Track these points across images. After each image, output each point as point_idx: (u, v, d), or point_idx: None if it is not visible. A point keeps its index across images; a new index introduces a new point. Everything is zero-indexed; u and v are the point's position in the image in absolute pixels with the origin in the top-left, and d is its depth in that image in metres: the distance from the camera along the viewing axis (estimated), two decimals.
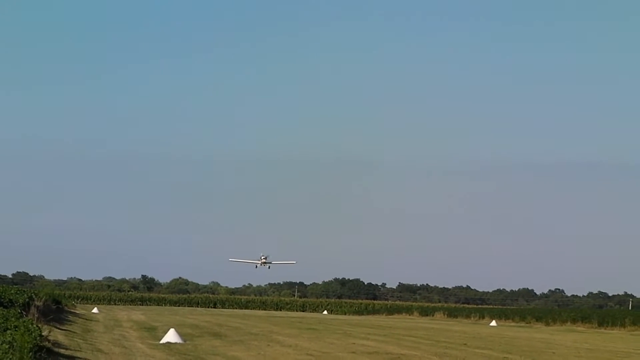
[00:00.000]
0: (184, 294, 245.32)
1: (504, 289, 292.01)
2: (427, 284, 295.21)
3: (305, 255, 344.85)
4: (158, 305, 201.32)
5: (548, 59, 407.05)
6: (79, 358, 46.90)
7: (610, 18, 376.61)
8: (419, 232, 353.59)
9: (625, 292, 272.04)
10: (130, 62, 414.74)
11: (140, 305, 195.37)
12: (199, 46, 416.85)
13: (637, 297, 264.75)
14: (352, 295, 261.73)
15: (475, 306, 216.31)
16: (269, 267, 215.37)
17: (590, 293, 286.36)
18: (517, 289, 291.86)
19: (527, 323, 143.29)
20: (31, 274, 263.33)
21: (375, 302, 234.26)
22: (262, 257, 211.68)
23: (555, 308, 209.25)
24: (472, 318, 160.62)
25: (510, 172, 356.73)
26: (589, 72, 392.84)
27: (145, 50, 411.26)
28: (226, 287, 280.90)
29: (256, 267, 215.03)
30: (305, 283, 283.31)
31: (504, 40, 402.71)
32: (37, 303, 74.82)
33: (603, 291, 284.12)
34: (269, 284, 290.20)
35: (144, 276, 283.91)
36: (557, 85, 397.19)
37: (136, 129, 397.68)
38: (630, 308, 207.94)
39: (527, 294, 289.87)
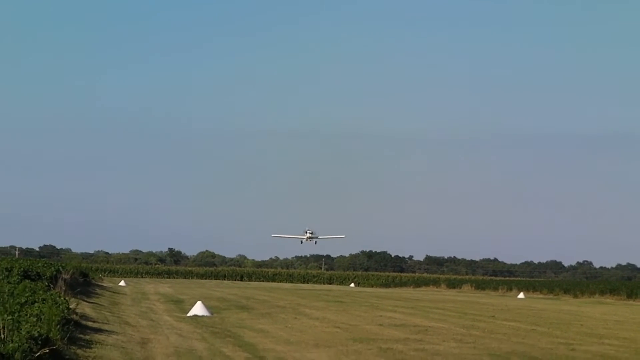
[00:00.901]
0: (210, 267, 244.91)
1: (531, 261, 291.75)
2: (454, 257, 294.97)
3: (333, 228, 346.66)
4: (185, 278, 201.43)
5: None
6: (107, 330, 46.75)
7: None
8: (446, 205, 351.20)
9: None
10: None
11: (167, 278, 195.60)
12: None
13: None
14: (379, 268, 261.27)
15: (502, 278, 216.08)
16: (315, 243, 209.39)
17: (619, 265, 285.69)
18: (545, 261, 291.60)
19: (555, 295, 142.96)
20: (58, 247, 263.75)
21: (402, 274, 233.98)
22: (309, 232, 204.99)
23: (583, 280, 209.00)
24: (500, 290, 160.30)
25: (536, 144, 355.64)
26: None
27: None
28: (253, 260, 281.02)
29: (301, 242, 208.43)
30: (332, 256, 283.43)
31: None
32: (65, 276, 74.71)
33: (632, 263, 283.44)
34: (296, 256, 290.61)
35: (170, 249, 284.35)
36: (599, 53, 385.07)
37: (180, 102, 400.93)
38: None
39: (555, 266, 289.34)
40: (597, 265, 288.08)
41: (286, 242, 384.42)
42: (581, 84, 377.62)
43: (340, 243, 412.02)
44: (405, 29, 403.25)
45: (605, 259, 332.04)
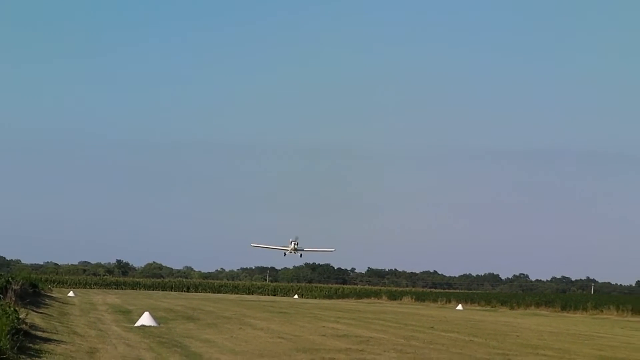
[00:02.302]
0: (158, 278, 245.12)
1: (470, 274, 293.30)
2: (395, 269, 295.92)
3: (277, 241, 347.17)
4: (133, 289, 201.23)
5: None
6: (56, 340, 46.72)
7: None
8: (386, 218, 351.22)
9: (588, 277, 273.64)
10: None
11: (115, 289, 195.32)
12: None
13: (599, 281, 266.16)
14: (322, 280, 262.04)
15: (442, 290, 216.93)
16: (300, 255, 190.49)
17: (554, 278, 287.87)
18: (482, 274, 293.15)
19: (492, 307, 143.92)
20: (8, 258, 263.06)
21: (344, 286, 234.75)
22: (293, 243, 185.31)
23: (519, 292, 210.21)
24: (439, 302, 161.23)
25: (473, 157, 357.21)
26: None
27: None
28: (199, 271, 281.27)
29: (285, 254, 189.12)
30: (276, 268, 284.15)
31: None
32: (14, 287, 74.51)
33: (566, 276, 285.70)
34: (241, 268, 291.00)
35: (118, 261, 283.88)
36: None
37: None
38: (592, 292, 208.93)
39: (492, 278, 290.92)
40: (533, 278, 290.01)
41: (230, 254, 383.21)
42: (509, 101, 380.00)
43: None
44: (391, 46, 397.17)
45: (540, 272, 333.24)
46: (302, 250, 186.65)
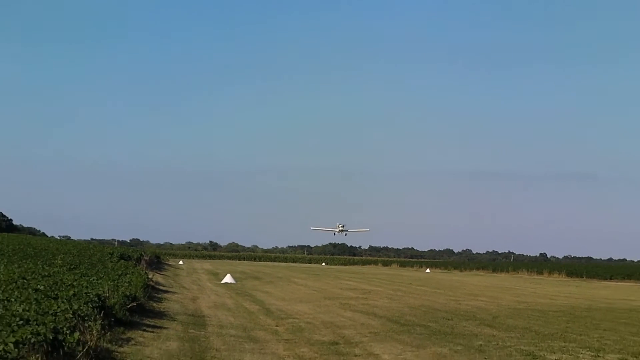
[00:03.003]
0: (235, 252, 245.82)
1: (434, 249, 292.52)
2: (387, 246, 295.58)
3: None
4: (220, 259, 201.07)
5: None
6: (171, 292, 46.77)
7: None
8: (383, 207, 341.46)
9: (509, 250, 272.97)
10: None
11: (209, 259, 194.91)
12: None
13: (516, 253, 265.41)
14: (340, 253, 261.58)
15: (417, 260, 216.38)
16: (345, 234, 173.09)
17: (487, 251, 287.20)
18: (442, 249, 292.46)
19: (448, 270, 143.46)
20: (141, 239, 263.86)
21: (354, 257, 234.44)
22: (340, 226, 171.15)
23: (466, 261, 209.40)
24: (415, 267, 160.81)
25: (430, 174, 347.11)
26: None
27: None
28: (262, 248, 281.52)
29: (334, 234, 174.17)
30: (310, 245, 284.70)
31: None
32: (145, 258, 74.81)
33: (495, 250, 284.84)
34: (289, 246, 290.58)
35: (211, 241, 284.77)
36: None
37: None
38: (512, 260, 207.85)
39: (449, 252, 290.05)
40: (474, 251, 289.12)
41: (285, 235, 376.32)
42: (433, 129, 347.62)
43: (314, 236, 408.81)
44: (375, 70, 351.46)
45: (479, 247, 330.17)
46: (347, 230, 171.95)
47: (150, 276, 46.38)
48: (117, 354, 18.89)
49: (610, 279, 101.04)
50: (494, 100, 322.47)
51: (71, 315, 17.75)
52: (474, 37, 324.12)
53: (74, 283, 25.70)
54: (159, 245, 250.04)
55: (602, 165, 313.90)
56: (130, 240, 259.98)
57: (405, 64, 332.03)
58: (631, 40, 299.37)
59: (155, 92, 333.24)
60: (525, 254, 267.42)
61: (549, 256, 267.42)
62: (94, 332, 18.20)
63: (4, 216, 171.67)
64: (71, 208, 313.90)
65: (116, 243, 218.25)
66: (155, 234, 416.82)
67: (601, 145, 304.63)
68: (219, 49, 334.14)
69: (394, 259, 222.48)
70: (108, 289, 24.94)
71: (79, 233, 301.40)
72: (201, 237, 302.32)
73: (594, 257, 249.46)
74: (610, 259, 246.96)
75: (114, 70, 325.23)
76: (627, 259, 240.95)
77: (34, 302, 18.55)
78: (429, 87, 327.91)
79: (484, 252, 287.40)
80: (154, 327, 25.68)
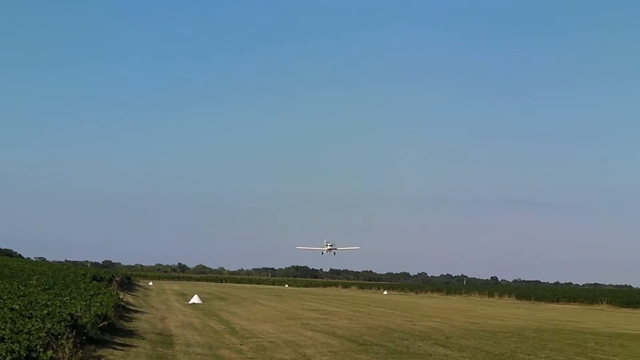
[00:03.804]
0: (203, 274, 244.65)
1: (391, 272, 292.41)
2: (347, 269, 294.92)
3: (276, 252, 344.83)
4: (188, 281, 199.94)
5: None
6: (141, 311, 46.53)
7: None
8: (344, 233, 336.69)
9: (462, 274, 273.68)
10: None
11: (177, 280, 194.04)
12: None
13: (469, 276, 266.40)
14: (302, 275, 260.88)
15: (375, 282, 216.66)
16: (334, 254, 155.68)
17: (442, 274, 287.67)
18: (399, 272, 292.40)
19: (405, 292, 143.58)
20: (113, 261, 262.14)
21: (316, 279, 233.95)
22: (328, 245, 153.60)
23: (421, 283, 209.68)
24: (373, 289, 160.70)
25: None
26: None
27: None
28: (228, 270, 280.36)
29: (322, 253, 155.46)
30: (274, 268, 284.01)
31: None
32: (117, 279, 74.32)
33: (449, 273, 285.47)
34: (254, 268, 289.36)
35: (179, 263, 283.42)
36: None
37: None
38: (464, 283, 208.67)
39: (405, 275, 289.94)
40: (429, 274, 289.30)
41: (250, 257, 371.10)
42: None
43: (278, 258, 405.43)
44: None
45: (433, 270, 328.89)
46: (336, 249, 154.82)
47: (121, 296, 46.10)
48: None
49: (557, 301, 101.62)
50: (448, 126, 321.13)
51: (45, 334, 17.64)
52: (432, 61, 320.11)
53: (48, 303, 25.51)
54: (130, 267, 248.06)
55: (550, 192, 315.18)
56: (102, 262, 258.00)
57: (335, 90, 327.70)
58: (587, 69, 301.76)
59: (121, 114, 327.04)
60: (477, 277, 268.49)
61: (499, 279, 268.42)
62: (66, 350, 18.10)
63: None
64: (46, 230, 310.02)
65: (89, 264, 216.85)
66: (126, 256, 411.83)
67: (549, 173, 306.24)
68: (188, 69, 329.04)
69: (354, 281, 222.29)
70: (80, 309, 24.77)
71: (54, 255, 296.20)
72: (170, 260, 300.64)
73: (542, 281, 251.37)
74: (557, 283, 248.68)
75: (81, 91, 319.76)
76: (573, 283, 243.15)
77: (9, 321, 18.43)
78: (386, 109, 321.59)
79: (439, 275, 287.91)
80: (123, 345, 25.57)
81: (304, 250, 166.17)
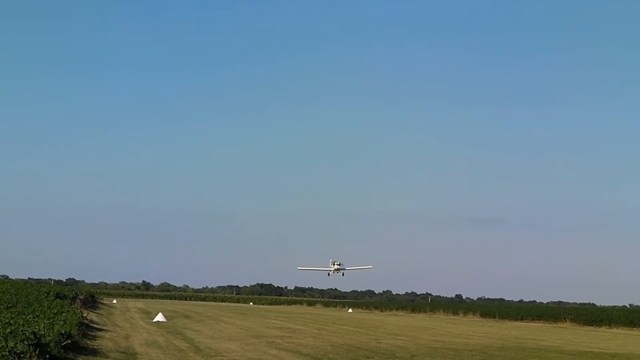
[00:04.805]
0: (167, 292, 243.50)
1: (356, 290, 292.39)
2: (311, 287, 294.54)
3: (241, 268, 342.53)
4: (152, 299, 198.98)
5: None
6: (105, 329, 46.28)
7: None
8: (306, 251, 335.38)
9: (427, 292, 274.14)
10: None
11: (141, 298, 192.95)
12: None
13: (434, 294, 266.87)
14: (267, 293, 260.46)
15: (340, 300, 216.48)
16: (342, 274, 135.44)
17: (406, 292, 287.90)
18: (364, 290, 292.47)
19: (370, 310, 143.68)
20: (77, 279, 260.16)
21: (281, 297, 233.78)
22: (336, 264, 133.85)
23: (386, 301, 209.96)
24: (338, 307, 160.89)
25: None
26: None
27: None
28: (193, 288, 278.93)
29: (328, 274, 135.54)
30: (239, 285, 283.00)
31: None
32: (80, 297, 73.80)
33: (414, 291, 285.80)
34: (218, 286, 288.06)
35: (144, 281, 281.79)
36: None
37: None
38: (429, 301, 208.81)
39: (370, 293, 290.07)
40: (394, 292, 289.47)
41: (214, 275, 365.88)
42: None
43: (243, 276, 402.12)
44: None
45: (398, 288, 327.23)
46: (344, 269, 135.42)
47: (85, 314, 45.88)
48: None
49: (521, 319, 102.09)
50: (413, 146, 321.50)
51: (7, 353, 17.54)
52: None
53: (11, 321, 25.33)
54: (94, 285, 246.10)
55: (513, 211, 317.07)
56: (66, 279, 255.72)
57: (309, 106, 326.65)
58: (550, 87, 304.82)
59: (78, 128, 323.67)
60: (442, 295, 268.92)
61: (464, 297, 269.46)
62: None
63: None
64: (9, 248, 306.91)
65: (52, 282, 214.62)
66: (90, 274, 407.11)
67: (512, 192, 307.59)
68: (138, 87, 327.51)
69: (319, 299, 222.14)
70: (44, 327, 24.63)
71: (17, 273, 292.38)
72: (134, 277, 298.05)
73: (506, 299, 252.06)
74: (521, 301, 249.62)
75: (44, 105, 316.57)
76: (537, 301, 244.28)
77: None
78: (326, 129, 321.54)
79: (404, 293, 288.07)
80: None
81: (306, 271, 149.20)
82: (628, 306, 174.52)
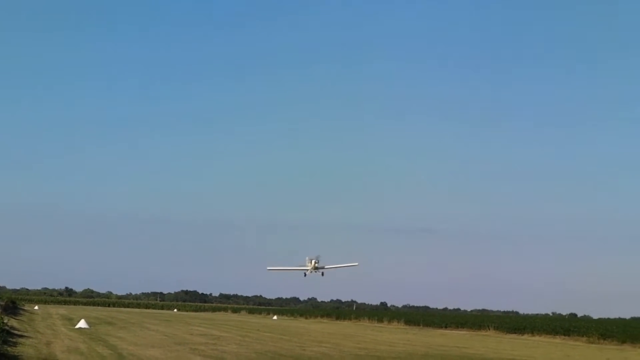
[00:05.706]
0: (90, 298, 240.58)
1: (281, 297, 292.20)
2: (236, 294, 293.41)
3: (165, 275, 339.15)
4: (75, 305, 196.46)
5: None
6: (26, 336, 45.66)
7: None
8: (232, 259, 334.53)
9: (352, 299, 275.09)
10: None
11: (64, 305, 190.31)
12: None
13: (359, 302, 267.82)
14: (191, 300, 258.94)
15: (265, 307, 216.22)
16: (322, 274, 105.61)
17: (332, 299, 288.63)
18: (289, 297, 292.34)
19: (294, 317, 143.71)
20: None
21: (205, 304, 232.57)
22: (313, 262, 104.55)
23: (311, 308, 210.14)
24: (263, 314, 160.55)
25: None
26: None
27: None
28: (116, 294, 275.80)
29: (305, 275, 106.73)
30: (163, 292, 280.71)
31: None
32: (1, 303, 72.79)
33: (339, 298, 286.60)
34: (142, 292, 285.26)
35: (66, 287, 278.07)
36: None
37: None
38: (354, 308, 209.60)
39: (295, 300, 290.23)
40: (319, 299, 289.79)
41: (138, 281, 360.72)
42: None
43: (167, 283, 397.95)
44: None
45: (323, 296, 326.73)
46: (323, 268, 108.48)
47: (5, 321, 45.16)
48: None
49: (446, 327, 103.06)
50: (344, 156, 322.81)
51: None
52: None
53: None
54: (15, 291, 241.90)
55: (439, 219, 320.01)
56: None
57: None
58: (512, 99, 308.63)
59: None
60: (367, 303, 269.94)
61: (389, 305, 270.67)
62: None
63: None
64: None
65: None
66: (11, 279, 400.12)
67: (436, 201, 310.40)
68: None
69: (243, 306, 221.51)
70: None
71: None
72: (57, 283, 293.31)
73: (431, 307, 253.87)
74: (445, 309, 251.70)
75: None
76: (461, 309, 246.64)
77: None
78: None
79: (328, 300, 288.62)
80: None
81: (276, 271, 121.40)
82: (550, 314, 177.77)
